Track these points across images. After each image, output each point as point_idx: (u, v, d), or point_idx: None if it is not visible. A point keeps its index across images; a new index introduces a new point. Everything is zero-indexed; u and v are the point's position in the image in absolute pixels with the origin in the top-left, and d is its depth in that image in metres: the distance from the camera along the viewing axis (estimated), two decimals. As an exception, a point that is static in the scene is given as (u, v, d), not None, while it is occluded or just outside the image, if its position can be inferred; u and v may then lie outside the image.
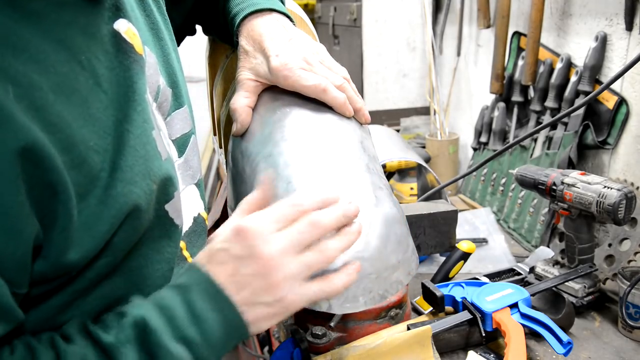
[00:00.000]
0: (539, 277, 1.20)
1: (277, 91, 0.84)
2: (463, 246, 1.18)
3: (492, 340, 1.02)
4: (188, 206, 0.81)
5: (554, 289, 1.10)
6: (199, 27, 1.14)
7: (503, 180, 1.69)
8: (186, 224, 0.80)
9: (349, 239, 0.66)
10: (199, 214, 0.85)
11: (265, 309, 0.63)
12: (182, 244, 0.79)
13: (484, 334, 0.99)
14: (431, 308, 1.07)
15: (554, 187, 1.15)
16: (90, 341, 0.60)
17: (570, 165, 1.41)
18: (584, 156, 1.46)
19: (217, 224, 1.06)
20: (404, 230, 0.78)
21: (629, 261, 1.17)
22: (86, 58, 0.61)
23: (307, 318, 1.00)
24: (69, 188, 0.56)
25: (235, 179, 0.82)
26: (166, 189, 0.70)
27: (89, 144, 0.59)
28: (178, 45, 1.11)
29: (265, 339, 1.70)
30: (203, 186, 0.88)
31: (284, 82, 0.81)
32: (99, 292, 0.65)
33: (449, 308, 1.04)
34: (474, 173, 1.80)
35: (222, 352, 0.64)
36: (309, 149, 0.77)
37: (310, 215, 0.65)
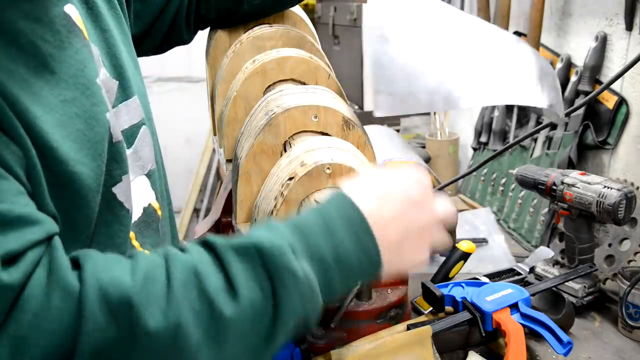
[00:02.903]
0: (539, 277, 1.20)
1: None
2: (463, 246, 1.18)
3: (492, 340, 1.02)
4: (138, 196, 0.81)
5: (554, 289, 1.10)
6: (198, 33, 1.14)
7: (503, 180, 1.69)
8: (136, 214, 0.80)
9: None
10: (149, 204, 0.85)
11: (398, 263, 0.65)
12: (131, 233, 0.78)
13: (484, 334, 0.99)
14: (431, 308, 1.07)
15: (554, 187, 1.15)
16: (203, 246, 0.59)
17: (570, 165, 1.41)
18: (584, 156, 1.46)
19: (217, 224, 1.06)
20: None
21: (629, 261, 1.17)
22: (28, 41, 0.62)
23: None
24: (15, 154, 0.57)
25: None
26: (113, 172, 0.71)
27: (36, 114, 0.59)
28: (167, 49, 1.12)
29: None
30: (156, 176, 0.87)
31: None
32: None
33: (449, 308, 1.04)
34: (474, 173, 1.80)
35: (351, 285, 0.65)
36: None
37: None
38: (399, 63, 0.81)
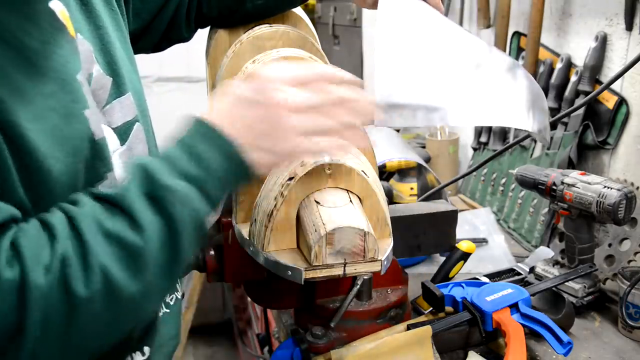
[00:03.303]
0: (539, 277, 1.20)
1: None
2: (463, 246, 1.18)
3: (492, 340, 1.02)
4: None
5: (554, 289, 1.10)
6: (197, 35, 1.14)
7: (503, 180, 1.69)
8: None
9: (363, 116, 0.70)
10: None
11: (266, 155, 0.67)
12: None
13: (484, 334, 0.99)
14: (431, 308, 1.07)
15: (554, 187, 1.15)
16: (97, 200, 0.63)
17: (570, 165, 1.41)
18: (584, 156, 1.46)
19: (217, 224, 1.06)
20: None
21: (629, 261, 1.17)
22: (12, 35, 0.63)
23: (307, 318, 1.00)
24: None
25: None
26: (98, 169, 0.72)
27: (13, 107, 0.60)
28: (166, 47, 1.12)
29: (265, 339, 1.70)
30: None
31: None
32: None
33: (449, 308, 1.04)
34: (474, 173, 1.80)
35: (229, 187, 0.68)
36: None
37: (329, 86, 0.68)
38: (403, 77, 0.84)
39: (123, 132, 0.81)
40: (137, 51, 1.00)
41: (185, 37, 1.13)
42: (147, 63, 2.52)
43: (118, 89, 0.81)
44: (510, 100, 0.93)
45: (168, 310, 0.91)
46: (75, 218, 0.60)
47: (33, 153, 0.62)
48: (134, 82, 0.86)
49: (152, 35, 1.07)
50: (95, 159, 0.71)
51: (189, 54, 2.83)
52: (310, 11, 2.84)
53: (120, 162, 0.79)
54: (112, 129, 0.79)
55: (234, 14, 1.09)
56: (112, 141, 0.78)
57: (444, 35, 0.93)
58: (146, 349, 0.84)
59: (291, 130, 0.67)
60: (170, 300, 0.92)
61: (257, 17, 1.09)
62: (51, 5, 0.70)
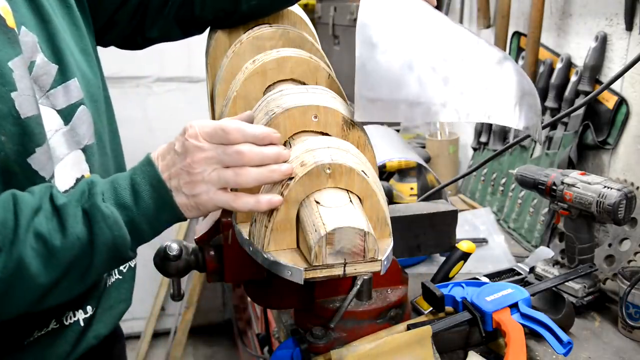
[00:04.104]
0: (539, 277, 1.20)
1: None
2: (463, 246, 1.18)
3: (492, 340, 1.02)
4: (72, 168, 0.90)
5: (554, 289, 1.10)
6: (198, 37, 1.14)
7: (503, 180, 1.69)
8: (67, 184, 0.89)
9: (269, 175, 0.77)
10: (82, 176, 0.92)
11: (185, 199, 0.77)
12: None
13: (484, 334, 0.99)
14: (431, 308, 1.07)
15: (554, 187, 1.15)
16: (50, 201, 0.75)
17: (570, 165, 1.41)
18: (584, 156, 1.46)
19: (217, 224, 1.06)
20: None
21: (629, 261, 1.17)
22: None
23: (307, 318, 1.00)
24: None
25: None
26: (25, 144, 0.80)
27: None
28: (143, 43, 1.15)
29: (265, 339, 1.69)
30: (94, 151, 0.94)
31: None
32: None
33: (449, 308, 1.04)
34: (474, 173, 1.80)
35: (155, 223, 0.78)
36: None
37: (243, 145, 0.76)
38: (384, 70, 0.83)
39: (67, 114, 0.88)
40: (106, 44, 1.09)
41: (159, 36, 1.13)
42: (147, 63, 2.52)
43: (63, 75, 0.88)
44: (496, 95, 0.90)
45: (120, 277, 1.00)
46: (19, 208, 0.72)
47: None
48: (82, 69, 0.93)
49: (118, 29, 1.09)
50: (23, 136, 0.80)
51: (190, 54, 2.83)
52: (310, 11, 2.84)
53: (63, 140, 0.87)
54: (57, 110, 0.87)
55: (231, 16, 1.09)
56: (54, 121, 0.86)
57: (429, 27, 0.90)
58: (89, 307, 0.93)
59: (201, 182, 0.77)
60: (124, 268, 1.02)
61: (253, 17, 1.10)
62: None
